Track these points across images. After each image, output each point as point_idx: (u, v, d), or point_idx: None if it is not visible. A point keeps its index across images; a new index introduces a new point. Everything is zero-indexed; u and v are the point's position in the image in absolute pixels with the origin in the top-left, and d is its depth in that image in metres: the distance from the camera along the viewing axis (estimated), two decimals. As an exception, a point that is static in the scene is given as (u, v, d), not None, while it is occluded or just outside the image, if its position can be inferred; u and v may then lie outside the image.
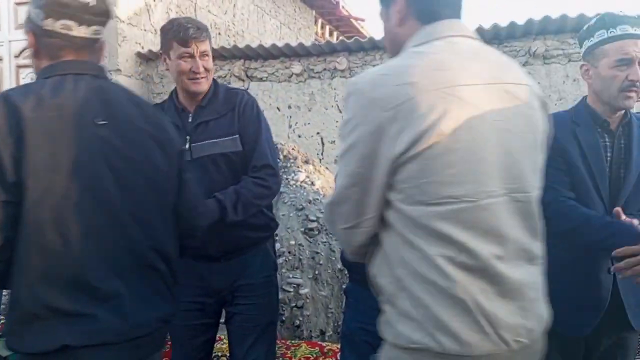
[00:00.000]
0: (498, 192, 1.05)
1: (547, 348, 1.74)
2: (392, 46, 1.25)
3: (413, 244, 1.04)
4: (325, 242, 3.43)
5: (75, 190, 1.19)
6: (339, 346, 2.46)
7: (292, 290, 3.19)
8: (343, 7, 10.15)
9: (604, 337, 1.72)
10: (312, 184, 3.68)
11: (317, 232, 3.40)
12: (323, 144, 5.64)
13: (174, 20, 1.93)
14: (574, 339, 1.71)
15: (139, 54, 6.06)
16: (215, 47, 6.00)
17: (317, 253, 3.34)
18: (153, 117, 1.35)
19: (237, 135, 1.91)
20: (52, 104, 1.20)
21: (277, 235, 3.38)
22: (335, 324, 3.19)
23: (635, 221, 1.54)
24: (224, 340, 2.16)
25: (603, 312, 1.65)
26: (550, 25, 4.92)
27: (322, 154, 5.60)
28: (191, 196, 1.44)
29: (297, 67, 5.72)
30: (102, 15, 1.33)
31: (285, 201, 3.52)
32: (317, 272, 3.34)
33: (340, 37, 10.43)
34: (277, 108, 5.87)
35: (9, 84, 5.56)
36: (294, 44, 5.71)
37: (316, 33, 10.79)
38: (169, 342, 2.12)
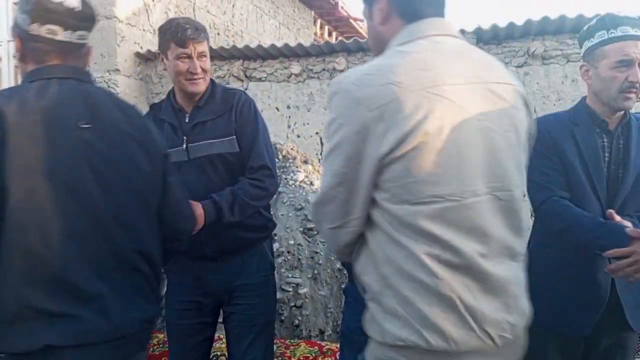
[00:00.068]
0: (482, 190, 1.06)
1: (547, 347, 1.76)
2: (376, 44, 1.26)
3: (399, 242, 1.05)
4: (324, 242, 3.44)
5: (58, 193, 1.20)
6: (338, 345, 2.46)
7: (291, 289, 3.19)
8: (342, 7, 10.15)
9: (603, 336, 1.72)
10: (311, 184, 3.68)
11: (316, 232, 3.40)
12: (322, 144, 5.65)
13: (172, 21, 1.93)
14: (574, 339, 1.72)
15: (137, 54, 6.06)
16: (214, 47, 6.00)
17: (316, 253, 3.34)
18: (137, 121, 1.36)
19: (234, 136, 1.91)
20: (36, 108, 1.22)
21: (276, 235, 3.38)
22: (335, 324, 3.19)
23: (628, 223, 1.54)
24: (223, 340, 2.16)
25: (602, 311, 1.65)
26: (549, 26, 4.93)
27: (321, 154, 5.60)
28: (176, 199, 1.45)
29: (296, 68, 5.72)
30: (88, 21, 1.34)
31: (284, 201, 3.52)
32: (316, 272, 3.34)
33: (339, 38, 10.45)
34: (276, 108, 5.87)
35: (7, 83, 5.55)
36: (292, 44, 5.71)
37: (315, 33, 10.79)
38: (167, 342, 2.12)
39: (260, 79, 5.91)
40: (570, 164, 1.69)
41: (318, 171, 3.94)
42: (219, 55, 5.94)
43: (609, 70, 1.65)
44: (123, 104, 1.38)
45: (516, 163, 1.14)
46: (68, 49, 1.31)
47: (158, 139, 1.42)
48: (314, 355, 2.57)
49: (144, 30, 6.20)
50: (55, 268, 1.19)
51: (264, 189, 1.92)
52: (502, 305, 1.08)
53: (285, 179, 3.70)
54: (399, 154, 1.02)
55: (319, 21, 10.98)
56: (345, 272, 2.42)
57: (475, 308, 1.04)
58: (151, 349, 2.71)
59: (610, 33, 1.64)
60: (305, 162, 3.96)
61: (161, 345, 2.71)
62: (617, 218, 1.54)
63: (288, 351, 2.61)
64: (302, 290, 3.22)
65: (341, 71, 5.48)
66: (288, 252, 3.37)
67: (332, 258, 3.36)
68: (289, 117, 5.83)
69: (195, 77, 1.89)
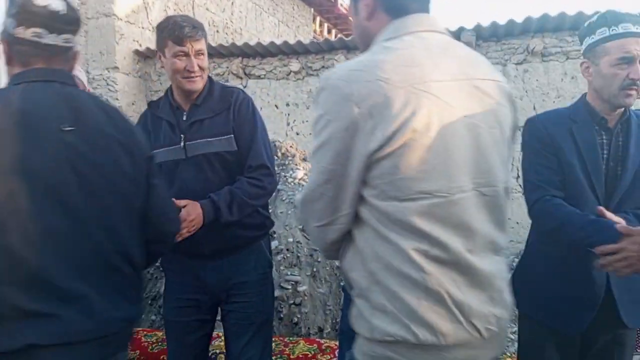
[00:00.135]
0: (467, 186, 1.08)
1: (544, 344, 1.77)
2: (362, 40, 1.26)
3: (387, 239, 1.06)
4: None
5: (39, 194, 1.22)
6: (337, 343, 2.46)
7: (290, 287, 3.19)
8: (341, 4, 10.13)
9: (599, 333, 1.72)
10: (310, 181, 3.67)
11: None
12: (321, 141, 5.64)
13: (170, 18, 1.93)
14: (570, 335, 1.72)
15: (136, 52, 6.05)
16: (213, 44, 5.99)
17: (315, 250, 3.34)
18: (121, 124, 1.37)
19: (231, 135, 1.91)
20: (19, 110, 1.23)
21: (275, 232, 3.38)
22: (334, 321, 3.19)
23: (620, 219, 1.54)
24: (222, 338, 2.16)
25: (597, 308, 1.65)
26: (548, 23, 4.93)
27: (320, 151, 5.59)
28: (160, 201, 1.46)
29: (295, 65, 5.71)
30: (73, 24, 1.36)
31: (284, 199, 3.52)
32: (315, 270, 3.34)
33: (339, 35, 10.42)
34: (275, 106, 5.87)
35: (5, 83, 5.54)
36: (292, 41, 5.70)
37: (314, 31, 10.77)
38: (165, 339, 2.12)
39: (259, 77, 5.90)
40: (567, 162, 1.69)
41: (317, 169, 3.93)
42: (218, 52, 5.93)
43: (610, 68, 1.64)
44: (107, 107, 1.40)
45: (501, 159, 1.15)
46: (53, 52, 1.32)
47: (142, 142, 1.43)
48: (313, 352, 2.57)
49: (142, 27, 6.19)
50: (35, 268, 1.21)
51: (262, 188, 1.92)
52: (487, 298, 1.10)
53: (285, 176, 3.70)
54: (388, 151, 1.02)
55: (318, 18, 10.96)
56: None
57: (462, 302, 1.05)
58: (149, 347, 2.72)
59: (612, 30, 1.64)
60: (305, 159, 3.95)
61: (160, 343, 2.71)
62: (608, 214, 1.54)
63: (287, 349, 2.61)
64: (301, 288, 3.22)
65: (340, 69, 5.47)
66: (287, 249, 3.37)
67: (331, 256, 3.36)
68: (288, 114, 5.82)
69: (193, 75, 1.88)
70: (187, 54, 1.87)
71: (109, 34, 5.77)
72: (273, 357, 2.42)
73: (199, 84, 1.91)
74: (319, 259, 3.35)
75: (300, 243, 3.37)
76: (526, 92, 5.20)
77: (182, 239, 1.75)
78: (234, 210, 1.84)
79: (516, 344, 1.95)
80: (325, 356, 2.53)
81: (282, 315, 3.13)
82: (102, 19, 5.81)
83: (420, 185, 1.04)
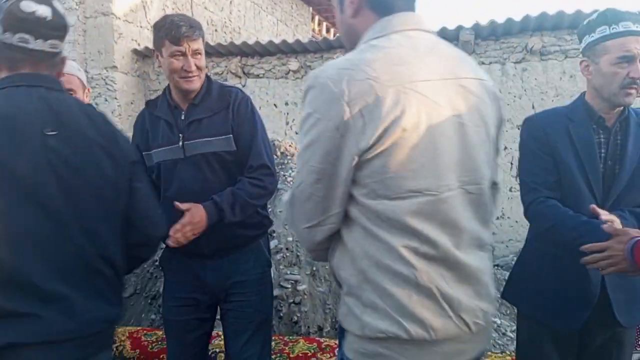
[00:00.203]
0: (454, 185, 1.09)
1: (542, 341, 1.77)
2: (348, 38, 1.26)
3: (377, 237, 1.07)
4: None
5: (19, 197, 1.24)
6: (336, 342, 2.47)
7: (289, 286, 3.19)
8: (340, 3, 10.11)
9: (597, 331, 1.73)
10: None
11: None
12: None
13: (167, 17, 1.92)
14: (567, 333, 1.73)
15: (135, 51, 6.04)
16: (212, 43, 5.99)
17: (315, 249, 3.34)
18: (105, 129, 1.40)
19: (230, 135, 1.91)
20: (2, 114, 1.26)
21: (274, 232, 3.38)
22: (333, 320, 3.20)
23: (614, 217, 1.55)
24: (221, 337, 2.17)
25: (592, 307, 1.66)
26: (547, 22, 4.93)
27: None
28: (143, 205, 1.49)
29: (294, 64, 5.71)
30: (59, 30, 1.37)
31: (283, 198, 3.52)
32: (314, 269, 3.34)
33: (337, 34, 10.42)
34: (274, 105, 5.87)
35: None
36: (290, 40, 5.70)
37: (313, 30, 10.77)
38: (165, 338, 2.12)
39: (258, 76, 5.90)
40: (563, 161, 1.70)
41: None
42: (216, 51, 5.93)
43: (610, 66, 1.64)
44: (92, 111, 1.42)
45: (486, 157, 1.17)
46: (40, 57, 1.35)
47: (125, 146, 1.46)
48: (312, 351, 2.58)
49: (141, 27, 6.18)
50: (16, 269, 1.23)
51: (263, 188, 1.92)
52: (474, 293, 1.12)
53: (283, 175, 3.70)
54: (378, 150, 1.03)
55: (317, 17, 10.95)
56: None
57: (452, 297, 1.07)
58: (149, 346, 2.72)
59: (612, 28, 1.63)
60: (304, 158, 3.95)
61: (159, 342, 2.71)
62: (602, 213, 1.54)
63: (287, 347, 2.61)
64: (300, 287, 3.22)
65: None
66: (286, 249, 3.37)
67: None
68: (287, 113, 5.83)
69: (190, 74, 1.88)
70: (184, 54, 1.86)
71: (108, 33, 5.77)
72: (273, 356, 2.42)
73: (196, 84, 1.91)
74: (319, 258, 3.35)
75: (300, 242, 3.37)
76: (525, 90, 5.20)
77: (187, 242, 1.76)
78: (236, 211, 1.85)
79: (515, 343, 1.95)
80: (325, 355, 2.54)
81: (281, 314, 3.13)
82: (101, 18, 5.80)
83: (409, 184, 1.05)
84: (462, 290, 1.09)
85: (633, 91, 1.64)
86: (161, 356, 2.62)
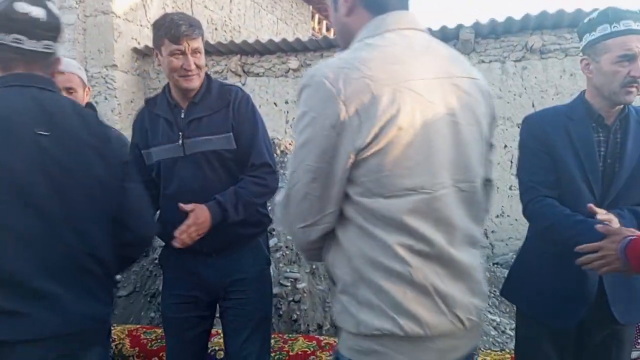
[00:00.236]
0: (448, 183, 1.10)
1: (539, 338, 1.78)
2: (343, 37, 1.26)
3: (372, 235, 1.07)
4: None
5: (8, 195, 1.26)
6: (336, 340, 2.47)
7: (289, 284, 3.20)
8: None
9: (595, 329, 1.73)
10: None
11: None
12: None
13: (167, 16, 1.92)
14: (564, 331, 1.73)
15: (135, 50, 6.05)
16: (212, 42, 5.99)
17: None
18: (97, 129, 1.42)
19: (230, 133, 1.91)
20: None
21: (274, 230, 3.38)
22: (333, 318, 3.20)
23: (610, 217, 1.55)
24: (221, 335, 2.17)
25: (589, 305, 1.66)
26: (547, 20, 4.93)
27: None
28: (135, 205, 1.50)
29: (293, 62, 5.71)
30: (53, 31, 1.39)
31: (283, 196, 3.53)
32: (314, 267, 3.35)
33: (337, 32, 10.41)
34: (274, 103, 5.87)
35: None
36: (290, 39, 5.70)
37: (313, 28, 10.77)
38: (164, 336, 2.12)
39: (258, 74, 5.91)
40: (561, 160, 1.70)
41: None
42: (216, 50, 5.93)
43: (611, 65, 1.64)
44: (84, 112, 1.44)
45: (479, 155, 1.18)
46: (34, 57, 1.36)
47: (117, 147, 1.48)
48: (312, 349, 2.58)
49: (141, 25, 6.18)
50: (5, 267, 1.24)
51: (266, 186, 1.93)
52: (468, 290, 1.13)
53: (283, 174, 3.70)
54: (374, 149, 1.03)
55: (316, 16, 10.95)
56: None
57: (446, 293, 1.08)
58: (149, 344, 2.72)
59: (613, 27, 1.63)
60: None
61: (159, 340, 2.72)
62: (598, 212, 1.55)
63: (286, 345, 2.61)
64: (300, 285, 3.23)
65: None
66: (286, 247, 3.38)
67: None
68: (287, 112, 5.83)
69: (189, 73, 1.88)
70: (183, 53, 1.86)
71: (108, 31, 5.77)
72: (272, 354, 2.42)
73: (196, 83, 1.91)
74: (318, 256, 3.35)
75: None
76: (525, 89, 5.20)
77: (192, 242, 1.76)
78: (239, 210, 1.85)
79: (514, 340, 1.95)
80: (324, 353, 2.54)
81: (281, 312, 3.13)
82: (101, 17, 5.80)
83: (405, 182, 1.05)
84: (456, 287, 1.10)
85: (634, 89, 1.64)
86: (160, 354, 2.63)
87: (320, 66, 1.11)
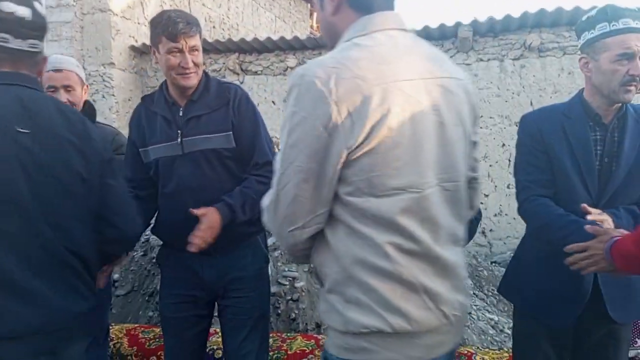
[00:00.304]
0: (433, 182, 1.11)
1: (537, 336, 1.78)
2: (329, 36, 1.26)
3: (362, 234, 1.08)
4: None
5: None
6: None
7: (287, 283, 3.20)
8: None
9: (591, 328, 1.73)
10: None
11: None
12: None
13: (164, 13, 1.90)
14: (561, 329, 1.73)
15: (132, 48, 6.03)
16: (209, 40, 5.98)
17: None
18: (79, 127, 1.43)
19: (230, 132, 1.90)
20: None
21: (272, 228, 3.37)
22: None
23: (605, 217, 1.55)
24: (219, 334, 2.17)
25: (584, 303, 1.67)
26: (545, 19, 4.93)
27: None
28: (117, 202, 1.52)
29: (292, 61, 5.70)
30: (39, 30, 1.41)
31: (281, 195, 3.52)
32: (312, 265, 3.35)
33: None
34: (272, 102, 5.86)
35: None
36: (289, 37, 5.69)
37: (311, 26, 10.76)
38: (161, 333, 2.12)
39: (256, 72, 5.90)
40: (557, 158, 1.70)
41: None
42: (214, 48, 5.92)
43: (610, 64, 1.63)
44: (68, 110, 1.45)
45: (463, 155, 1.20)
46: (20, 56, 1.38)
47: (98, 145, 1.48)
48: (310, 348, 2.58)
49: (138, 23, 6.17)
50: None
51: (270, 185, 1.92)
52: (452, 286, 1.16)
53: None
54: (365, 149, 1.04)
55: (315, 14, 10.93)
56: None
57: (432, 290, 1.11)
58: (147, 344, 2.72)
59: (612, 25, 1.62)
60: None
61: (157, 339, 2.71)
62: (591, 212, 1.55)
63: (285, 344, 2.62)
64: (298, 284, 3.23)
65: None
66: (284, 245, 3.38)
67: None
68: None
69: (187, 71, 1.87)
70: (181, 50, 1.85)
71: (105, 29, 5.75)
72: (271, 353, 2.42)
73: (193, 80, 1.90)
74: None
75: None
76: (523, 87, 5.20)
77: (207, 246, 1.77)
78: (246, 210, 1.86)
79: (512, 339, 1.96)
80: (322, 352, 2.54)
81: (279, 311, 3.14)
82: (98, 15, 5.79)
83: (394, 182, 1.06)
84: (442, 284, 1.13)
85: (633, 88, 1.64)
86: (159, 353, 2.62)
87: (310, 65, 1.10)
